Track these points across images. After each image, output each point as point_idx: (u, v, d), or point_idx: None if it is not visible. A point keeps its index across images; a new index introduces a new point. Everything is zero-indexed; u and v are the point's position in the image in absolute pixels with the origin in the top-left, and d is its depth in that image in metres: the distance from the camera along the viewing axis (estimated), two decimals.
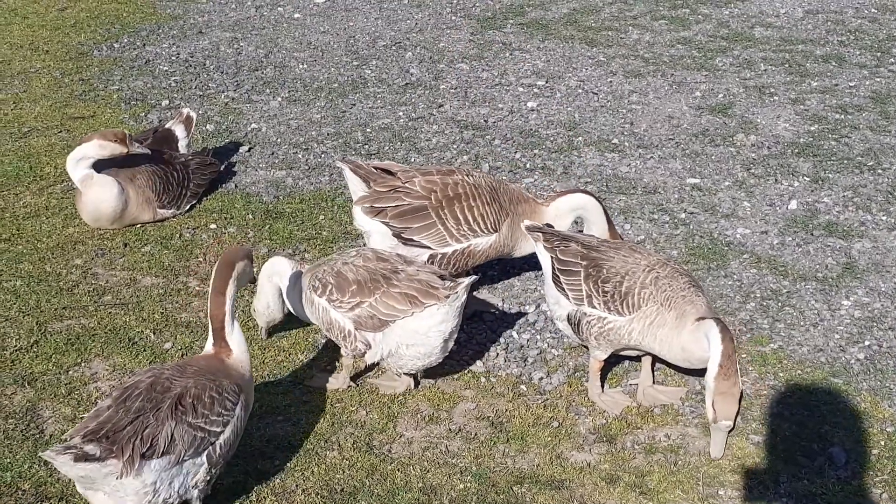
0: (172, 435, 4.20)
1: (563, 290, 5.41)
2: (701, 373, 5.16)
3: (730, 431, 4.86)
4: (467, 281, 5.21)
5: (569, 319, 5.44)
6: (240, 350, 4.70)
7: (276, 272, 5.59)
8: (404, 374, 5.53)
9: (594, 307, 5.29)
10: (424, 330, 5.21)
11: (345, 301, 5.27)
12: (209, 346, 4.73)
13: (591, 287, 5.30)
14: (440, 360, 5.41)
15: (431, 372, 5.69)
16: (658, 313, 5.14)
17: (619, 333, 5.25)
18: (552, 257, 5.51)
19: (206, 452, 4.36)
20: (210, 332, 4.72)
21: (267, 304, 5.69)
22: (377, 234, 6.00)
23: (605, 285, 5.26)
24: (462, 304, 5.25)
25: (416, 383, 5.61)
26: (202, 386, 4.40)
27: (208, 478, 4.43)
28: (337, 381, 5.55)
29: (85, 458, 4.02)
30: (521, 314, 6.28)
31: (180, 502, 4.38)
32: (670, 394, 5.57)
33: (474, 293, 6.43)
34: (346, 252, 5.62)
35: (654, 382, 5.59)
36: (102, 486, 4.14)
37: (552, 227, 5.88)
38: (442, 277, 5.30)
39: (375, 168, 6.10)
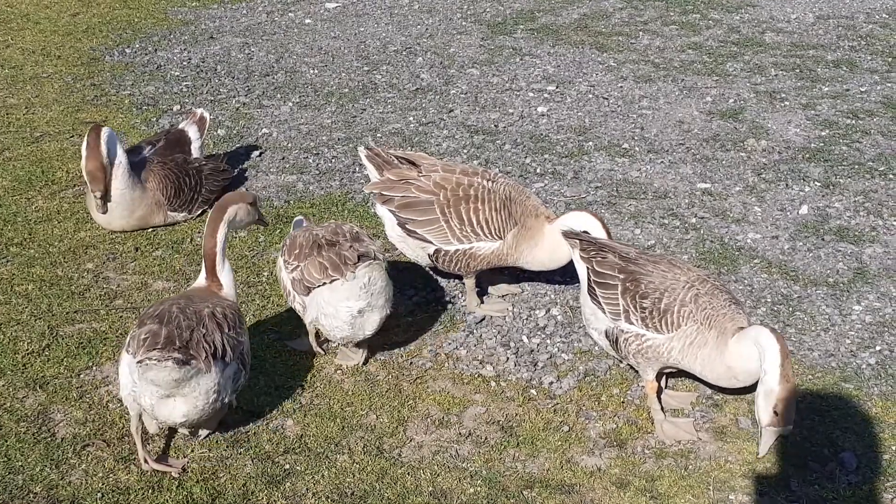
0: (223, 341, 4.80)
1: (600, 303, 5.27)
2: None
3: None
4: (367, 263, 5.30)
5: (607, 335, 5.32)
6: (228, 285, 5.27)
7: (294, 225, 6.14)
8: (348, 346, 5.75)
9: (632, 323, 5.15)
10: (334, 302, 5.38)
11: (290, 262, 5.59)
12: (202, 280, 5.27)
13: (629, 302, 5.14)
14: (361, 338, 5.54)
15: (442, 376, 5.70)
16: (698, 333, 4.99)
17: (658, 351, 5.11)
18: (588, 268, 5.36)
19: (239, 358, 4.95)
20: (203, 268, 5.26)
21: None
22: (387, 221, 6.16)
23: (644, 301, 5.10)
24: (369, 286, 5.32)
25: (366, 361, 5.78)
26: (220, 307, 4.98)
27: (244, 380, 5.01)
28: (304, 344, 5.82)
29: (183, 362, 4.57)
30: (531, 318, 6.28)
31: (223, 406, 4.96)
32: (681, 399, 5.56)
33: (483, 297, 6.44)
34: (326, 223, 5.84)
35: (665, 387, 5.58)
36: (183, 389, 4.67)
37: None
38: (364, 256, 5.36)
39: (400, 157, 6.19)
